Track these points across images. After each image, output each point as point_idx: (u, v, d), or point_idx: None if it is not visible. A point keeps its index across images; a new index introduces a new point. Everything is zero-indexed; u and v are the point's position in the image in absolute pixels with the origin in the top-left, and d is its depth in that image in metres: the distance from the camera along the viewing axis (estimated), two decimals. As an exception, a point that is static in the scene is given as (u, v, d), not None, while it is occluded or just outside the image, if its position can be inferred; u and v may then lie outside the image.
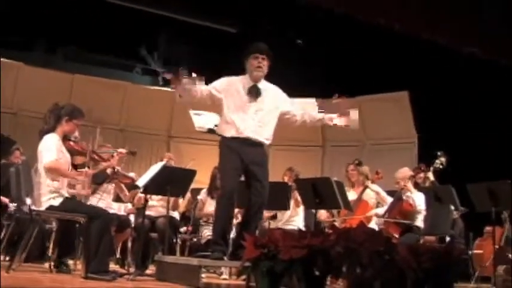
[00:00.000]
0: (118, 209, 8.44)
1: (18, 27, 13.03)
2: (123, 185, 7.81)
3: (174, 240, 8.48)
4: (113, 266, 7.33)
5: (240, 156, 6.10)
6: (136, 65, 15.34)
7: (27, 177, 7.93)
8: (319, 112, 6.49)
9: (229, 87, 6.25)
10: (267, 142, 6.32)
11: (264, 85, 6.34)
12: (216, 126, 6.46)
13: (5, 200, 8.21)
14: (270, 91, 6.37)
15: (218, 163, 6.33)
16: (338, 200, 7.13)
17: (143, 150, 11.85)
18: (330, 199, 7.18)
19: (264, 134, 6.24)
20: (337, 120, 6.44)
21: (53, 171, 5.99)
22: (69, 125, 6.20)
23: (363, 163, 8.80)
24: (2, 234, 8.43)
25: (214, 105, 6.33)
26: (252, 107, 6.21)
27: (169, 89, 14.12)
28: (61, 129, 6.18)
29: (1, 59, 12.99)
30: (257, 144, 6.22)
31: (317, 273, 3.86)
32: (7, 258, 8.07)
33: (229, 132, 6.18)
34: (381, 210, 8.34)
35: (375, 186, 8.45)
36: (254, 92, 6.24)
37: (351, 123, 6.50)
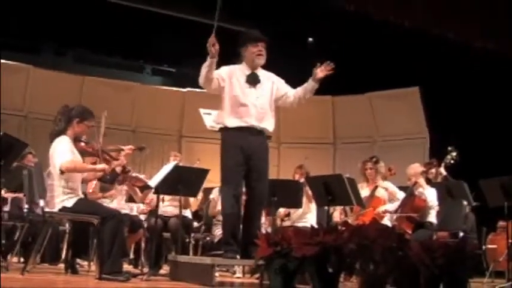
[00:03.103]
0: (130, 209, 8.46)
1: (28, 31, 13.09)
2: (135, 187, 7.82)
3: (187, 240, 8.49)
4: (126, 267, 7.35)
5: (242, 149, 6.09)
6: (145, 66, 15.39)
7: (40, 180, 7.96)
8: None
9: (230, 75, 6.25)
10: (270, 129, 6.30)
11: (261, 72, 6.35)
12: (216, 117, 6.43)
13: (19, 195, 8.26)
14: (268, 77, 6.37)
15: (220, 160, 6.29)
16: (350, 197, 7.11)
17: (155, 150, 11.89)
18: (342, 196, 7.16)
19: (266, 121, 6.24)
20: (320, 72, 6.32)
21: (72, 170, 6.01)
22: (80, 126, 6.20)
23: (379, 160, 8.76)
24: (16, 236, 8.49)
25: (215, 91, 6.29)
26: (252, 94, 6.20)
27: (179, 89, 14.25)
28: (72, 131, 6.19)
29: (11, 62, 13.06)
30: (260, 133, 6.22)
31: (330, 270, 3.85)
32: (22, 260, 8.12)
33: (232, 122, 6.16)
34: (392, 207, 8.32)
35: (384, 183, 8.43)
36: (253, 79, 6.24)
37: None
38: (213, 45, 5.84)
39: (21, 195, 8.26)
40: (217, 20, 5.90)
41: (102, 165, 6.26)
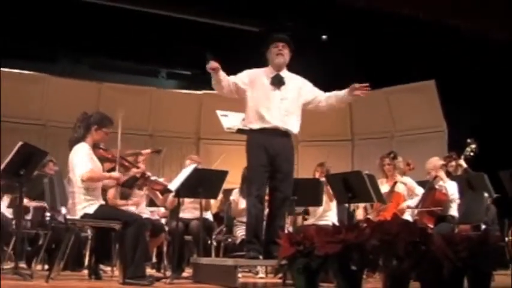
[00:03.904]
0: (151, 213, 8.49)
1: (43, 40, 13.17)
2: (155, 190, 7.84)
3: (209, 242, 8.51)
4: (149, 271, 7.37)
5: (267, 150, 6.12)
6: (160, 70, 15.43)
7: (61, 187, 8.01)
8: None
9: (253, 78, 6.29)
10: (295, 131, 6.32)
11: (286, 74, 6.36)
12: (243, 120, 6.47)
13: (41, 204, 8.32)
14: (293, 80, 6.39)
15: (246, 160, 6.35)
16: (371, 193, 7.11)
17: (173, 154, 11.92)
18: (362, 193, 7.16)
19: (290, 122, 6.26)
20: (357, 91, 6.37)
21: (91, 180, 6.04)
22: (99, 133, 6.24)
23: (397, 155, 8.73)
24: (39, 243, 8.56)
25: (239, 97, 6.34)
26: (276, 96, 6.22)
27: (195, 92, 14.28)
28: (91, 138, 6.22)
29: (28, 72, 13.17)
30: (284, 134, 6.24)
31: (353, 267, 3.85)
32: (46, 268, 8.17)
33: (256, 124, 6.20)
34: (413, 202, 8.30)
35: (403, 178, 8.40)
36: (277, 81, 6.26)
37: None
38: (211, 69, 6.08)
39: (43, 203, 8.33)
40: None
41: (117, 174, 6.29)
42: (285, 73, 6.35)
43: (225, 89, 6.24)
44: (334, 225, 4.27)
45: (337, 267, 3.85)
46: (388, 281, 3.96)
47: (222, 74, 6.14)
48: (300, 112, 6.37)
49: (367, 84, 6.28)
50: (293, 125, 6.28)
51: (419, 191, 8.27)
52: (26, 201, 7.82)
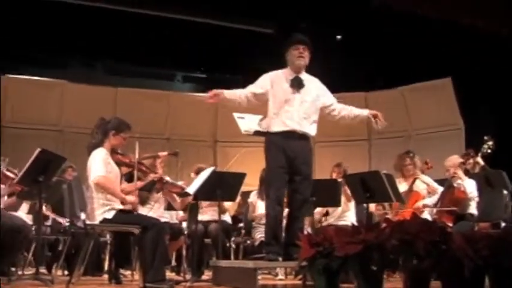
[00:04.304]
0: (170, 217, 8.51)
1: (57, 46, 13.24)
2: (173, 194, 7.86)
3: (228, 244, 8.52)
4: (168, 274, 7.40)
5: (286, 152, 6.12)
6: (176, 73, 15.47)
7: (80, 193, 8.06)
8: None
9: (272, 81, 6.30)
10: (313, 133, 6.33)
11: (305, 76, 6.37)
12: (261, 121, 6.48)
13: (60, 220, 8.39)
14: (312, 82, 6.40)
15: (265, 163, 6.36)
16: (389, 193, 7.08)
17: (190, 157, 11.89)
18: (380, 193, 7.13)
19: (308, 125, 6.27)
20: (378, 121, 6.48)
21: (101, 187, 6.06)
22: (117, 138, 6.26)
23: (415, 154, 8.70)
24: (59, 249, 8.60)
25: (261, 103, 6.37)
26: (296, 99, 6.23)
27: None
28: (108, 143, 6.25)
29: (44, 79, 13.26)
30: (303, 137, 6.25)
31: (373, 267, 3.84)
32: (66, 273, 8.22)
33: (275, 127, 6.21)
34: (432, 200, 8.26)
35: (425, 177, 8.36)
36: (297, 84, 6.27)
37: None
38: (210, 97, 6.36)
39: (62, 219, 8.40)
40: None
41: (132, 198, 6.31)
42: (304, 75, 6.35)
43: (242, 104, 6.33)
44: (353, 225, 4.27)
45: (358, 267, 3.85)
46: (408, 280, 3.95)
47: (228, 94, 6.37)
48: (317, 116, 6.38)
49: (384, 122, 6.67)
50: (311, 127, 6.29)
51: (441, 189, 8.22)
52: (44, 209, 7.85)
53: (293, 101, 6.22)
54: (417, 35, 11.94)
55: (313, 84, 6.39)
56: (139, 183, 6.73)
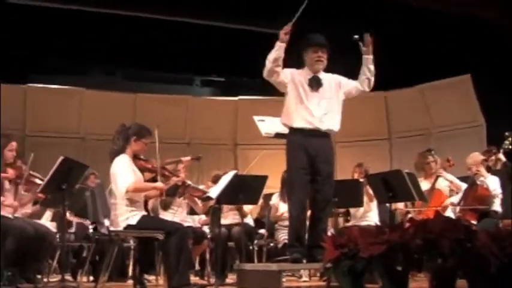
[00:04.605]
0: (192, 221, 8.54)
1: (75, 54, 13.32)
2: (195, 198, 7.89)
3: (251, 247, 8.53)
4: (192, 278, 7.40)
5: (307, 151, 6.11)
6: (195, 78, 15.51)
7: (103, 200, 8.10)
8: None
9: (293, 78, 6.28)
10: (335, 130, 6.32)
11: (323, 75, 6.36)
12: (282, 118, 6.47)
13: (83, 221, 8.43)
14: (330, 79, 6.38)
15: (286, 163, 6.34)
16: (412, 192, 7.06)
17: (211, 161, 11.94)
18: (403, 192, 7.11)
19: (330, 122, 6.25)
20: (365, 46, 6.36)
21: (137, 191, 6.10)
22: (138, 144, 6.28)
23: (435, 152, 8.67)
24: (83, 255, 8.65)
25: (279, 86, 6.34)
26: (315, 98, 6.22)
27: (230, 98, 14.33)
28: (130, 149, 6.27)
29: (64, 87, 13.37)
30: (324, 135, 6.24)
31: (398, 267, 3.83)
32: (91, 279, 8.26)
33: (297, 122, 6.20)
34: (455, 199, 8.22)
35: (448, 175, 8.32)
36: (315, 83, 6.26)
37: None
38: (285, 33, 5.97)
39: (85, 221, 8.43)
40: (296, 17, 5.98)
41: (161, 184, 6.33)
42: (322, 74, 6.35)
43: (279, 75, 6.18)
44: (377, 225, 4.26)
45: (382, 268, 3.84)
46: (434, 280, 3.93)
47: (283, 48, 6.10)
48: (340, 109, 6.37)
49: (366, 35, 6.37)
50: (333, 124, 6.27)
51: (464, 187, 8.18)
52: (68, 215, 7.90)
53: (312, 99, 6.21)
54: (435, 32, 11.88)
55: (331, 81, 6.37)
56: (164, 186, 6.74)
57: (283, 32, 5.99)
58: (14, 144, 6.58)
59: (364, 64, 6.37)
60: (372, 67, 6.37)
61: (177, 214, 7.86)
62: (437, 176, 8.32)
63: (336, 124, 6.31)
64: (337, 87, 6.38)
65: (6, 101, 12.49)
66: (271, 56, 6.08)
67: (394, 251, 3.77)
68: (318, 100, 6.22)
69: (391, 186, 7.13)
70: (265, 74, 6.20)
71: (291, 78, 6.27)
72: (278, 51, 6.04)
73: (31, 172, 6.55)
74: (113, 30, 12.84)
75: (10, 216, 6.29)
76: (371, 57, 6.35)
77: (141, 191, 6.19)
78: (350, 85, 6.44)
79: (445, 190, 8.29)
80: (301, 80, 6.27)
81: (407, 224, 4.02)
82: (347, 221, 8.61)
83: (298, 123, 6.19)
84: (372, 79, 6.43)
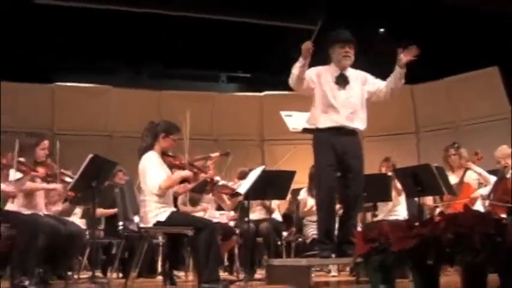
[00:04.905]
0: (220, 217, 8.56)
1: (101, 53, 13.40)
2: (223, 195, 7.90)
3: (279, 243, 8.54)
4: (221, 274, 7.42)
5: (335, 148, 6.10)
6: (220, 74, 15.53)
7: (132, 196, 8.16)
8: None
9: (319, 77, 6.26)
10: (362, 128, 6.30)
11: (350, 72, 6.33)
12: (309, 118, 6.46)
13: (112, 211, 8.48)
14: (357, 76, 6.36)
15: (314, 160, 6.33)
16: (441, 186, 7.03)
17: (238, 157, 11.94)
18: (432, 186, 7.07)
19: (357, 120, 6.24)
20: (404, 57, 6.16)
21: (170, 187, 6.13)
22: (167, 141, 6.29)
23: (461, 146, 8.62)
24: (113, 252, 8.72)
25: (308, 94, 6.32)
26: (342, 95, 6.20)
27: (256, 94, 14.35)
28: (159, 146, 6.29)
29: (91, 85, 13.49)
30: (351, 133, 6.23)
31: (429, 262, 3.82)
32: (120, 276, 8.32)
33: (323, 123, 6.18)
34: (484, 191, 8.16)
35: (477, 168, 8.27)
36: (342, 80, 6.24)
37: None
38: (307, 48, 5.89)
39: (114, 210, 8.48)
40: (317, 31, 5.93)
41: (187, 172, 6.33)
42: (348, 71, 6.32)
43: (304, 84, 6.16)
44: (408, 220, 4.26)
45: (414, 262, 3.83)
46: (465, 274, 3.92)
47: (304, 65, 6.04)
48: (366, 108, 6.34)
49: (412, 46, 6.15)
50: (360, 122, 6.26)
51: (493, 179, 8.12)
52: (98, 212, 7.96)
53: (339, 97, 6.19)
54: (462, 24, 11.80)
55: (357, 78, 6.35)
56: (191, 184, 6.76)
57: (305, 48, 5.90)
58: (46, 142, 6.63)
59: (395, 75, 6.24)
60: (402, 82, 6.28)
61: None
62: (466, 169, 8.28)
63: (363, 122, 6.30)
64: (363, 83, 6.36)
65: (35, 101, 12.67)
66: (295, 71, 6.06)
67: (425, 245, 3.75)
68: (345, 98, 6.20)
69: (420, 180, 7.09)
70: (291, 85, 6.22)
71: (317, 79, 6.25)
72: (301, 67, 6.02)
73: (62, 170, 6.60)
74: (138, 29, 12.90)
75: (41, 213, 6.35)
76: (404, 70, 6.22)
77: (173, 185, 6.21)
78: (375, 85, 6.40)
79: (474, 183, 8.24)
80: (328, 78, 6.25)
81: (437, 218, 4.00)
82: (374, 215, 8.58)
83: (324, 123, 6.18)
84: (397, 93, 6.39)
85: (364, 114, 6.32)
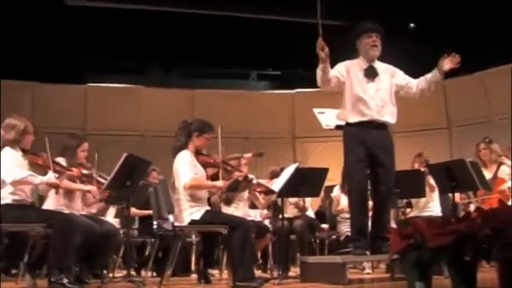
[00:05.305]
0: (254, 215, 8.57)
1: (132, 53, 13.50)
2: (257, 193, 7.91)
3: (312, 240, 8.52)
4: (255, 272, 7.44)
5: (365, 144, 6.08)
6: (251, 72, 15.56)
7: (166, 196, 8.18)
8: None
9: (348, 71, 6.25)
10: (392, 121, 6.27)
11: (378, 65, 6.32)
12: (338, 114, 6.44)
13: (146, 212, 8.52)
14: (386, 69, 6.34)
15: (344, 156, 6.31)
16: (475, 181, 6.96)
17: (270, 154, 11.99)
18: (466, 181, 7.00)
19: (387, 113, 6.21)
20: (446, 64, 6.15)
21: (194, 188, 6.14)
22: (200, 139, 6.32)
23: (493, 141, 8.55)
24: (147, 251, 8.77)
25: (339, 91, 6.30)
26: (371, 88, 6.19)
27: (287, 91, 14.34)
28: (192, 145, 6.32)
29: (122, 85, 13.60)
30: (382, 127, 6.20)
31: (467, 258, 3.79)
32: (154, 274, 8.37)
33: (353, 117, 6.17)
34: (516, 185, 8.10)
35: (510, 162, 8.20)
36: (371, 73, 6.23)
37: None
38: (322, 49, 5.84)
39: (148, 212, 8.52)
40: (320, 23, 5.90)
41: (220, 183, 6.34)
42: (377, 64, 6.30)
43: (332, 82, 6.15)
44: (444, 216, 4.24)
45: (451, 258, 3.81)
46: (503, 270, 3.89)
47: (327, 64, 6.00)
48: (395, 101, 6.31)
49: (454, 55, 6.15)
50: (390, 115, 6.23)
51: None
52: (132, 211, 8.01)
53: (368, 90, 6.18)
54: (494, 18, 11.70)
55: (386, 71, 6.33)
56: (224, 184, 6.77)
57: (320, 48, 5.84)
58: (86, 144, 6.70)
59: (431, 78, 6.24)
60: (435, 86, 6.29)
61: (239, 208, 7.90)
62: (500, 164, 8.21)
63: (393, 116, 6.27)
64: (392, 76, 6.34)
65: (68, 101, 12.79)
66: (318, 74, 6.06)
67: (462, 241, 3.73)
68: (374, 90, 6.18)
69: (454, 176, 7.02)
70: (319, 86, 6.22)
71: (346, 71, 6.24)
72: (322, 71, 6.00)
73: (99, 173, 6.65)
74: (169, 28, 12.97)
75: (77, 213, 6.41)
76: (441, 77, 6.21)
77: (199, 188, 6.21)
78: (405, 80, 6.37)
79: (507, 178, 8.17)
80: (356, 71, 6.23)
81: (474, 214, 3.98)
82: (405, 213, 8.53)
83: (354, 118, 6.16)
84: (427, 95, 6.38)
85: (394, 108, 6.29)
